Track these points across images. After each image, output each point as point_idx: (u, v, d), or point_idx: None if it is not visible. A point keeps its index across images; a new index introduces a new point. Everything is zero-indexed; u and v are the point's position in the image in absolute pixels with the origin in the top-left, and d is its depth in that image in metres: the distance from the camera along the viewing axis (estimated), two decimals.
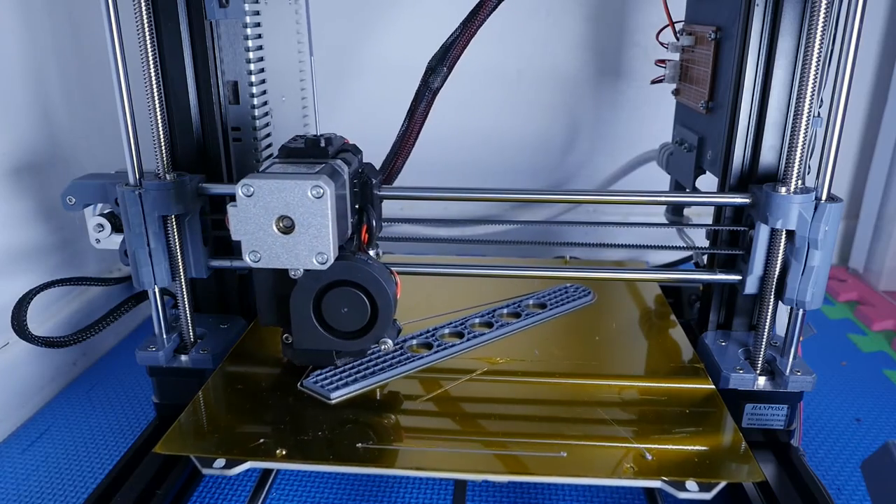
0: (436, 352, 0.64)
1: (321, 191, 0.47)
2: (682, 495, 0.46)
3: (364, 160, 0.59)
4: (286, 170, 0.50)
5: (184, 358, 0.61)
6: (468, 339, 0.66)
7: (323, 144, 0.53)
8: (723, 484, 0.46)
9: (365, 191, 0.56)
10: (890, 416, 0.71)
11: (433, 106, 0.59)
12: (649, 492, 0.57)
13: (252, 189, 0.48)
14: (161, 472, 0.56)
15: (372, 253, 0.58)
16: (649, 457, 0.49)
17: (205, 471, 0.49)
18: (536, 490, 0.61)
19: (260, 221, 0.49)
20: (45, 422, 0.71)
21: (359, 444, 0.51)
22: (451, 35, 0.57)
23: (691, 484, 0.46)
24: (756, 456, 0.57)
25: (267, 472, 0.58)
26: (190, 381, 0.60)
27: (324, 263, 0.49)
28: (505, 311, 0.72)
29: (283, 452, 0.50)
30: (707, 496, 0.46)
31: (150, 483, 0.54)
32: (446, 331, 0.68)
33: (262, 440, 0.51)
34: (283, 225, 0.49)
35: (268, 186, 0.48)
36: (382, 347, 0.56)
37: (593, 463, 0.49)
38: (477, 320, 0.70)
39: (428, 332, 0.67)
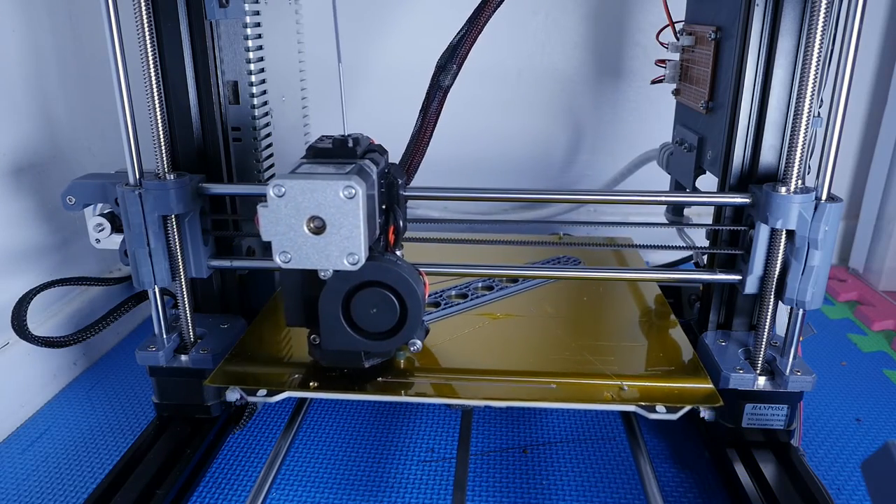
0: (443, 309, 0.72)
1: (353, 191, 0.47)
2: (652, 416, 0.54)
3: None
4: (316, 170, 0.50)
5: (184, 358, 0.61)
6: (471, 300, 0.74)
7: (351, 144, 0.53)
8: (687, 408, 0.55)
9: (391, 191, 0.56)
10: (890, 416, 0.71)
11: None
12: (626, 416, 0.63)
13: (283, 189, 0.47)
14: (161, 472, 0.56)
15: (399, 253, 0.58)
16: (626, 388, 0.57)
17: (250, 398, 0.57)
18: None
19: (291, 222, 0.48)
20: (45, 422, 0.71)
21: (379, 378, 0.58)
22: (458, 34, 0.57)
23: (660, 408, 0.55)
24: (756, 456, 0.57)
25: (280, 445, 0.59)
26: (190, 381, 0.60)
27: (355, 264, 0.49)
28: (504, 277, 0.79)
29: (315, 385, 0.57)
30: (673, 417, 0.54)
31: (150, 483, 0.54)
32: (453, 293, 0.76)
33: (297, 375, 0.58)
34: (314, 225, 0.48)
35: (299, 186, 0.47)
36: (412, 349, 0.56)
37: (578, 392, 0.57)
38: (479, 284, 0.78)
39: (436, 293, 0.75)
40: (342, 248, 0.49)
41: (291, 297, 0.56)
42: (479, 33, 0.57)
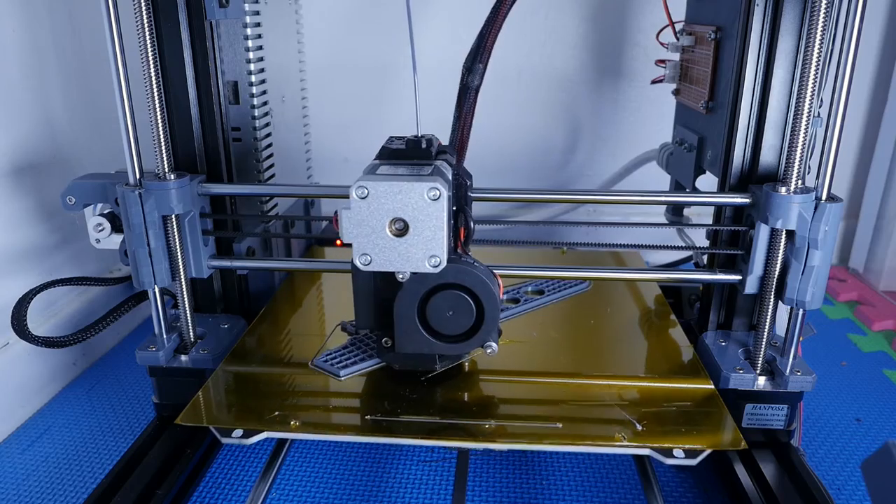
0: None
1: (438, 192, 0.46)
2: (670, 461, 0.49)
3: None
4: (396, 171, 0.49)
5: (184, 358, 0.61)
6: None
7: (425, 146, 0.52)
8: (708, 451, 0.49)
9: (459, 192, 0.55)
10: (890, 416, 0.71)
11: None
12: (639, 460, 0.58)
13: (367, 191, 0.47)
14: (161, 472, 0.56)
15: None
16: (640, 427, 0.52)
17: (224, 440, 0.51)
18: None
19: (373, 224, 0.48)
20: (45, 422, 0.71)
21: (367, 416, 0.54)
22: (478, 35, 0.58)
23: (678, 451, 0.49)
24: (756, 456, 0.57)
25: (279, 447, 0.59)
26: (190, 381, 0.60)
27: (436, 266, 0.49)
28: (505, 296, 0.74)
29: (297, 423, 0.53)
30: (692, 462, 0.49)
31: (150, 483, 0.54)
32: None
33: (276, 413, 0.54)
34: (397, 227, 0.48)
35: (383, 188, 0.47)
36: (488, 352, 0.55)
37: (586, 433, 0.52)
38: None
39: None
40: (424, 251, 0.48)
41: (363, 300, 0.55)
42: (499, 32, 0.58)
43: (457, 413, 0.55)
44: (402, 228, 0.48)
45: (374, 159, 0.54)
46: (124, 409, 0.73)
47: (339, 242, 0.91)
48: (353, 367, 0.60)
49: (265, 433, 0.52)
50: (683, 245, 0.68)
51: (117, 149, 0.55)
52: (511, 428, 0.52)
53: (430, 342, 0.54)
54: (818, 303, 0.54)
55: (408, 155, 0.53)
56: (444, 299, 0.53)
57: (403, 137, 0.54)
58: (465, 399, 0.57)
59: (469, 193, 0.56)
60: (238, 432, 0.52)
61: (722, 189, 0.61)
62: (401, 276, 0.52)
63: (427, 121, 0.59)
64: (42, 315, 0.75)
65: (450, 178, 0.51)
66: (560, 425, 0.52)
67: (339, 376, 0.59)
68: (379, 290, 0.54)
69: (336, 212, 0.49)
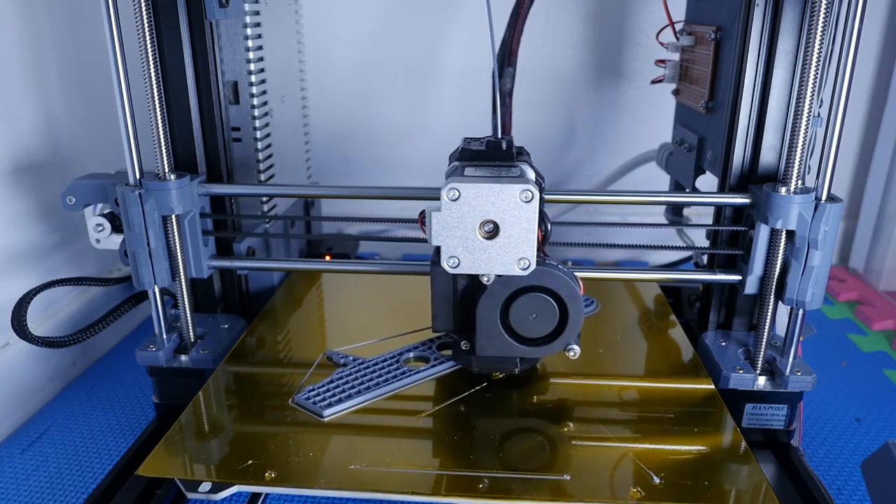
0: (433, 365, 0.60)
1: (530, 195, 0.46)
2: None
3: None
4: (483, 173, 0.49)
5: (184, 358, 0.61)
6: None
7: (505, 147, 0.52)
8: None
9: None
10: (890, 416, 0.71)
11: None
12: None
13: (458, 193, 0.46)
14: None
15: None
16: (657, 480, 0.47)
17: (189, 495, 0.46)
18: None
19: (463, 226, 0.47)
20: (45, 422, 0.71)
21: (351, 466, 0.48)
22: (502, 40, 0.58)
23: None
24: (756, 456, 0.57)
25: (257, 493, 0.56)
26: (190, 381, 0.60)
27: (526, 269, 0.48)
28: None
29: (272, 475, 0.47)
30: None
31: (150, 483, 0.54)
32: (444, 342, 0.64)
33: (249, 462, 0.48)
34: (486, 230, 0.47)
35: (476, 191, 0.46)
36: (570, 354, 0.53)
37: (598, 486, 0.47)
38: None
39: (424, 344, 0.63)
40: (514, 253, 0.48)
41: (443, 302, 0.54)
42: (521, 34, 0.58)
43: (453, 462, 0.49)
44: (491, 231, 0.47)
45: (454, 160, 0.53)
46: (124, 409, 0.73)
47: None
48: (338, 406, 0.54)
49: (236, 487, 0.47)
50: (683, 245, 0.68)
51: (117, 149, 0.55)
52: (511, 482, 0.47)
53: (512, 345, 0.53)
54: (818, 303, 0.54)
55: (490, 156, 0.52)
56: (528, 302, 0.52)
57: (481, 139, 0.54)
58: (463, 444, 0.51)
59: (544, 195, 0.55)
60: (206, 486, 0.46)
61: (722, 189, 0.61)
62: (486, 278, 0.51)
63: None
64: (42, 315, 0.75)
65: (534, 179, 0.51)
66: (568, 477, 0.47)
67: (322, 416, 0.53)
68: (457, 293, 0.54)
69: (422, 213, 0.48)
